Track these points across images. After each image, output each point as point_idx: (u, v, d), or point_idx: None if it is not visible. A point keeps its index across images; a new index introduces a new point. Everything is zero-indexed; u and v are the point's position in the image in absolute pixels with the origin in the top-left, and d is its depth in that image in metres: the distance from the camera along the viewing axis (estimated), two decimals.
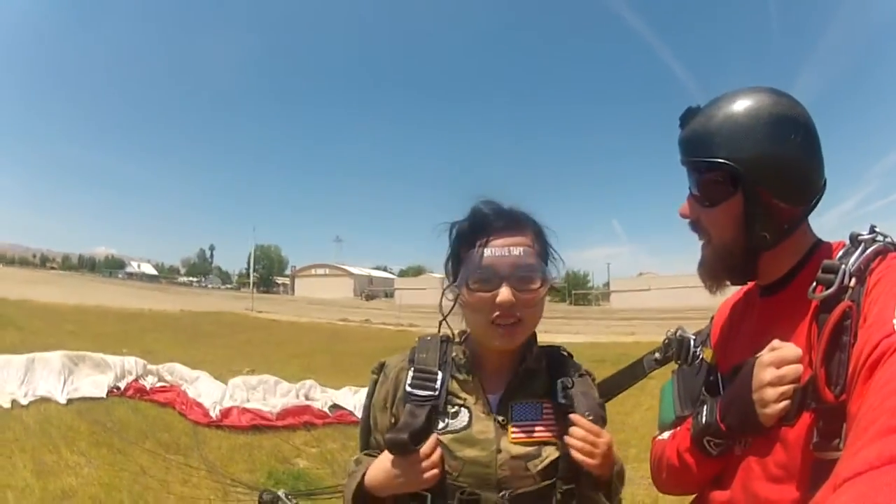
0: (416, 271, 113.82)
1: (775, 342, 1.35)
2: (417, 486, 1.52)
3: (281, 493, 2.13)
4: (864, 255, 1.29)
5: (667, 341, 1.87)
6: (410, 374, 1.65)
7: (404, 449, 1.50)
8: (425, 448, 1.52)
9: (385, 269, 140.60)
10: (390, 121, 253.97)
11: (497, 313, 1.54)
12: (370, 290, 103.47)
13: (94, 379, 9.21)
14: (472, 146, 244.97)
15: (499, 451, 1.55)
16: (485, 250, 1.55)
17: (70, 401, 8.37)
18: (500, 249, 1.55)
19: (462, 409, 1.62)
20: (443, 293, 1.69)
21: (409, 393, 1.61)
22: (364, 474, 1.60)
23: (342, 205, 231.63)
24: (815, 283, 1.30)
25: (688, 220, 1.58)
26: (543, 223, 1.69)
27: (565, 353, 1.79)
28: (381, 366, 1.77)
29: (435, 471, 1.51)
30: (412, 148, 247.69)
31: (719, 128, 1.43)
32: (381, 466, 1.57)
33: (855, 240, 1.34)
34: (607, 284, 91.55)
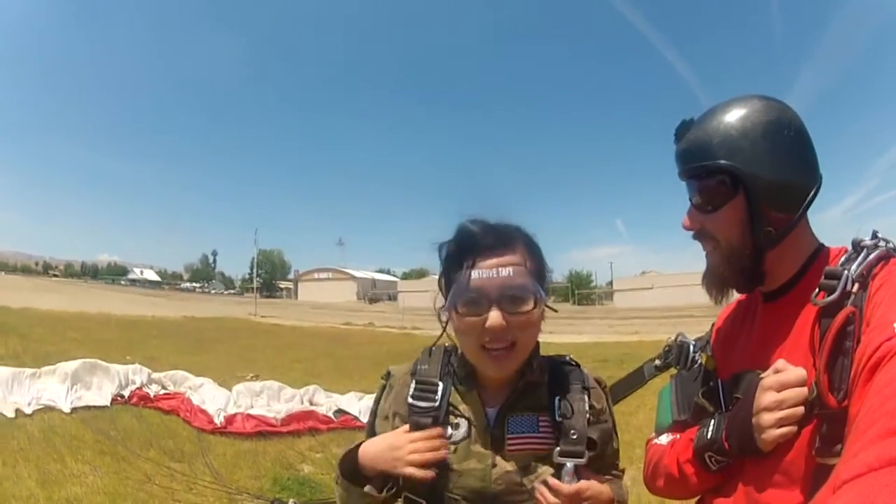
0: (420, 274, 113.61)
1: (780, 363, 1.35)
2: (404, 465, 1.50)
3: (291, 502, 2.12)
4: (867, 261, 1.30)
5: (667, 348, 1.88)
6: (413, 385, 1.64)
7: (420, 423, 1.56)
8: (430, 432, 1.53)
9: (388, 272, 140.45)
10: (392, 123, 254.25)
11: (488, 338, 1.49)
12: (373, 294, 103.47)
13: (99, 387, 9.23)
14: (477, 148, 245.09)
15: (494, 465, 1.54)
16: (472, 272, 1.50)
17: (74, 409, 8.40)
18: (487, 271, 1.49)
19: (462, 420, 1.61)
20: (438, 311, 1.65)
21: (412, 405, 1.60)
22: (360, 444, 1.63)
23: (344, 207, 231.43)
24: (818, 289, 1.31)
25: (691, 233, 1.57)
26: (536, 235, 1.65)
27: (572, 364, 1.73)
28: (388, 374, 1.76)
29: (426, 456, 1.50)
30: (415, 150, 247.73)
31: (714, 133, 1.45)
32: (378, 438, 1.61)
33: (857, 245, 1.35)
34: (610, 283, 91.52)
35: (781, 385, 1.30)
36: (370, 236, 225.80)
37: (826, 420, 1.21)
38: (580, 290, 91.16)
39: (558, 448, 1.52)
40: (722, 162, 1.43)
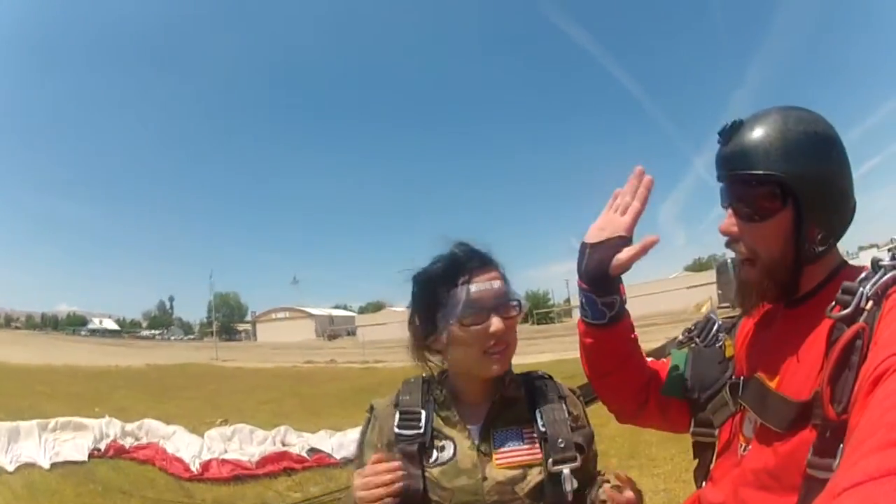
0: (376, 307, 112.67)
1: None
2: (375, 497, 1.57)
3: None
4: (883, 281, 1.30)
5: (692, 327, 1.92)
6: (397, 416, 1.75)
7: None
8: (375, 465, 1.63)
9: (345, 307, 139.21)
10: (338, 154, 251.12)
11: (492, 342, 1.66)
12: (332, 330, 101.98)
13: (75, 442, 9.34)
14: (425, 173, 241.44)
15: (484, 478, 1.64)
16: (471, 286, 1.66)
17: (53, 465, 8.51)
18: (483, 284, 1.67)
19: (447, 442, 1.71)
20: (414, 336, 1.80)
21: (398, 434, 1.71)
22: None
23: (297, 244, 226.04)
24: (833, 303, 1.33)
25: (727, 238, 1.57)
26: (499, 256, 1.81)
27: (544, 378, 1.86)
28: (372, 408, 1.87)
29: (376, 493, 1.58)
30: (362, 181, 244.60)
31: (770, 141, 1.44)
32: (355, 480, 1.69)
33: (876, 265, 1.35)
34: (568, 300, 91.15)
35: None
36: (324, 271, 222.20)
37: (823, 431, 1.24)
38: (538, 310, 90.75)
39: (551, 459, 1.63)
40: (778, 173, 1.42)
